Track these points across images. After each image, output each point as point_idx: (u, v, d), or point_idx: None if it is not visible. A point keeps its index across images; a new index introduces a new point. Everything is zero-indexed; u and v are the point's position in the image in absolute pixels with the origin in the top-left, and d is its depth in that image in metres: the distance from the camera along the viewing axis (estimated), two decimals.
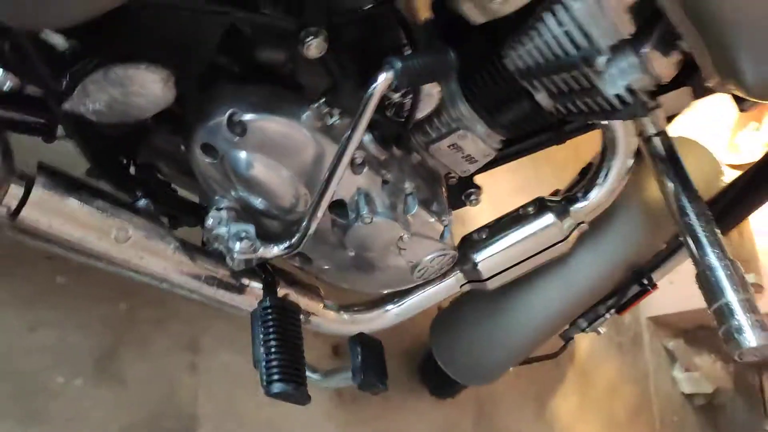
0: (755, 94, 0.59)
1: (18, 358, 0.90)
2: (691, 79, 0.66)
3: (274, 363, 0.70)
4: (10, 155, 0.62)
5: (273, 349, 0.71)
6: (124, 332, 0.99)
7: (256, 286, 0.78)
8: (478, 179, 0.86)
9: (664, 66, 0.60)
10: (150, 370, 1.00)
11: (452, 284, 0.89)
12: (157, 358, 1.01)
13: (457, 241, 0.86)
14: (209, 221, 0.72)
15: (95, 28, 0.52)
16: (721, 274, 0.64)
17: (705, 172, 0.90)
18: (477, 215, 0.97)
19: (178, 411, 1.01)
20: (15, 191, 0.63)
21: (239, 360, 1.05)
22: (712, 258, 0.66)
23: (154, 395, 0.99)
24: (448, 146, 0.74)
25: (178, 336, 1.03)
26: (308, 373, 0.74)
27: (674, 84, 0.66)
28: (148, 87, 0.61)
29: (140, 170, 0.76)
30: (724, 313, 0.63)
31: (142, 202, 0.73)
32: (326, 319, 0.84)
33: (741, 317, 0.62)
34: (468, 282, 0.90)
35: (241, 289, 0.77)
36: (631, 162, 0.81)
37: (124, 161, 0.75)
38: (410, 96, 0.67)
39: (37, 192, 0.64)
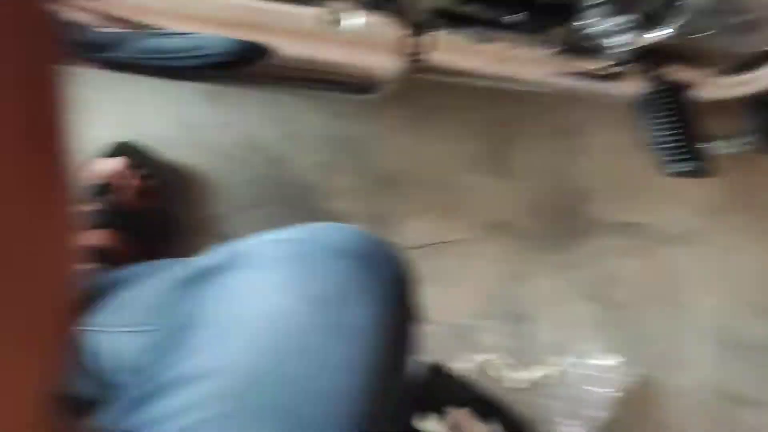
0: None
1: (427, 166, 1.08)
2: None
3: (670, 143, 0.73)
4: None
5: (666, 130, 0.74)
6: (510, 131, 1.10)
7: (638, 72, 0.79)
8: None
9: None
10: (537, 158, 1.11)
11: None
12: (542, 146, 1.11)
13: None
14: (586, 19, 0.74)
15: None
16: None
17: None
18: None
19: (568, 189, 1.12)
20: (421, 39, 0.72)
21: (622, 137, 1.09)
22: None
23: (545, 178, 1.11)
24: None
25: (559, 125, 1.11)
26: (706, 144, 0.75)
27: None
28: None
29: None
30: None
31: (515, 17, 0.78)
32: (713, 87, 0.83)
33: None
34: None
35: (624, 78, 0.79)
36: None
37: None
38: None
39: (439, 35, 0.72)
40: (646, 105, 0.76)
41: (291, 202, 1.00)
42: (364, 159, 1.05)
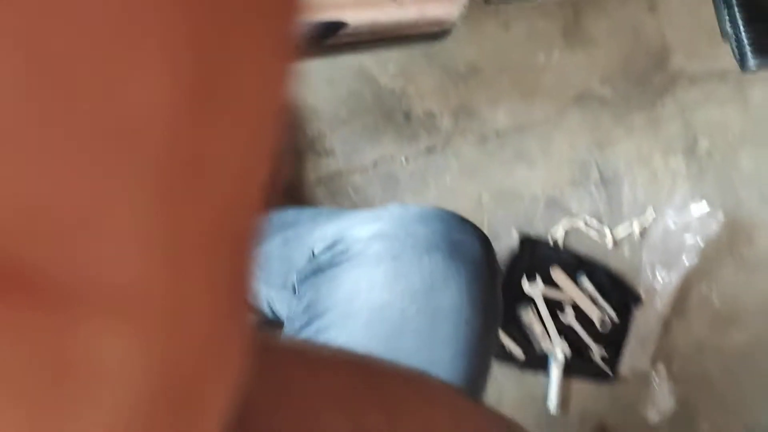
0: None
1: (504, 53, 1.10)
2: None
3: (746, 37, 0.74)
4: None
5: (741, 22, 0.74)
6: (579, 3, 1.09)
7: None
8: None
9: None
10: (612, 24, 1.10)
11: None
12: (616, 11, 1.10)
13: None
14: None
15: None
16: None
17: None
18: None
19: (647, 48, 1.12)
20: None
21: None
22: None
23: (622, 42, 1.11)
24: None
25: None
26: None
27: None
28: None
29: None
30: None
31: None
32: None
33: None
34: None
35: None
36: None
37: None
38: None
39: None
40: None
41: (381, 111, 1.08)
42: (441, 57, 1.09)
